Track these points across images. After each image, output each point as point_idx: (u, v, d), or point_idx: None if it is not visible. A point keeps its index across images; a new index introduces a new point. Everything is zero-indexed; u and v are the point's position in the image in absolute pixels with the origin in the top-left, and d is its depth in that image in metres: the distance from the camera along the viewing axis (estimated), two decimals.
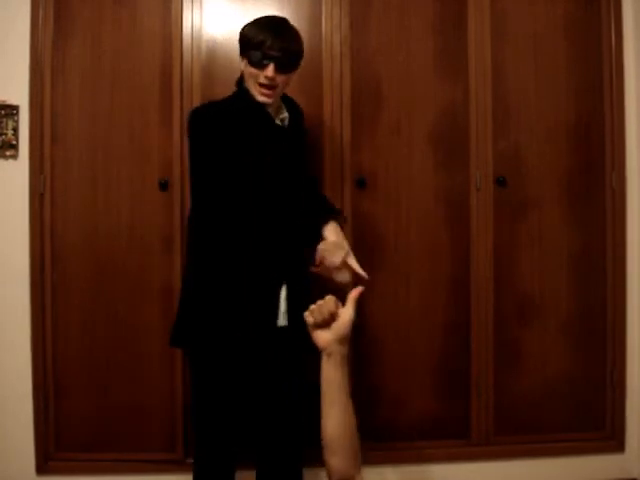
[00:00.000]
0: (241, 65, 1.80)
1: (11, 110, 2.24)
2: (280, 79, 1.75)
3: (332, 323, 1.26)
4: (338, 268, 1.74)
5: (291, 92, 2.29)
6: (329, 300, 1.27)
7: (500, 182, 2.39)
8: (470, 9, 2.37)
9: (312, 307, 1.27)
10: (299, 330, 1.76)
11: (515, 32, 2.40)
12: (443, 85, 2.38)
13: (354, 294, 1.30)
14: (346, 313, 1.27)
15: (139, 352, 2.28)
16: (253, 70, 1.74)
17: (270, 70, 1.71)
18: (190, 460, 2.13)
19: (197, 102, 2.22)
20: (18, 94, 2.24)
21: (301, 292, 1.82)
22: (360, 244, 2.34)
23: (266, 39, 1.70)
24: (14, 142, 2.25)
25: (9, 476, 2.25)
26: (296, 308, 1.77)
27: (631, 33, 2.45)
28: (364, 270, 1.80)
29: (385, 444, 2.37)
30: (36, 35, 2.24)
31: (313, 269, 1.80)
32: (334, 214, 1.91)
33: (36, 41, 2.24)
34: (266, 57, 1.71)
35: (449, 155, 2.39)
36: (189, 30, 2.27)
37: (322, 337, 1.25)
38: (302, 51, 1.81)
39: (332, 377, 1.23)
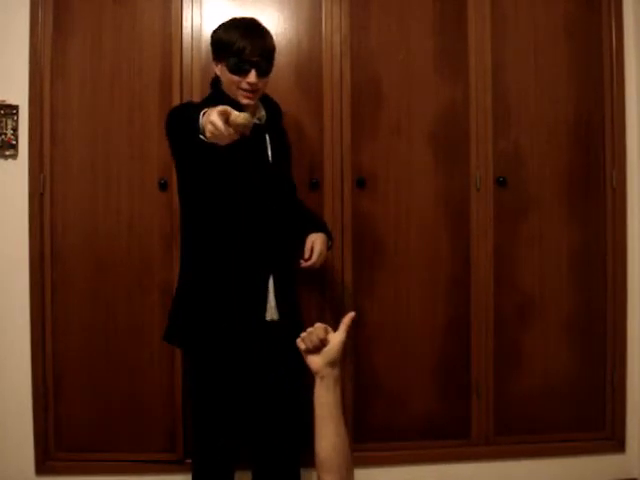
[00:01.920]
0: (215, 70, 1.82)
1: (11, 110, 2.23)
2: (261, 84, 1.78)
3: (323, 348, 1.30)
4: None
5: (291, 92, 2.30)
6: (318, 327, 1.31)
7: (500, 182, 2.39)
8: (470, 9, 2.37)
9: (303, 334, 1.31)
10: (289, 323, 1.76)
11: (515, 32, 2.40)
12: (443, 85, 2.38)
13: (346, 320, 1.32)
14: (336, 338, 1.31)
15: (139, 352, 2.28)
16: (234, 77, 1.75)
17: (252, 76, 1.73)
18: (190, 460, 2.13)
19: None
20: (18, 94, 2.24)
21: (288, 286, 1.84)
22: (360, 244, 2.35)
23: (246, 45, 1.72)
24: (14, 142, 2.24)
25: (8, 476, 2.25)
26: (284, 302, 1.79)
27: (631, 32, 2.45)
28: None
29: (385, 444, 2.37)
30: (36, 35, 2.23)
31: (303, 264, 1.83)
32: (326, 231, 1.98)
33: (36, 41, 2.24)
34: (247, 63, 1.73)
35: (449, 155, 2.39)
36: (189, 30, 2.27)
37: (314, 361, 1.30)
38: (275, 51, 1.83)
39: (325, 399, 1.27)
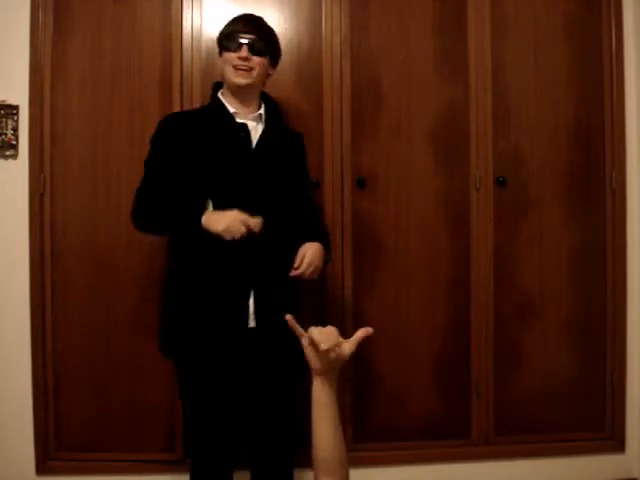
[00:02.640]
0: (219, 62, 1.86)
1: (11, 110, 2.23)
2: (255, 61, 1.79)
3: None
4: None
5: (291, 92, 2.30)
6: (332, 331, 1.27)
7: (500, 182, 2.39)
8: (470, 9, 2.37)
9: (317, 334, 1.25)
10: (266, 331, 1.78)
11: (515, 32, 2.40)
12: (443, 85, 2.38)
13: (361, 334, 1.29)
14: (348, 349, 1.28)
15: (139, 352, 2.27)
16: (229, 54, 1.79)
17: (244, 51, 1.77)
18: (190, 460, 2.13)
19: (197, 102, 2.23)
20: (18, 94, 2.24)
21: (269, 297, 1.80)
22: (360, 244, 2.35)
23: (238, 26, 1.80)
24: (14, 142, 2.24)
25: (9, 476, 2.25)
26: (263, 311, 1.78)
27: (631, 33, 2.45)
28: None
29: (385, 444, 2.37)
30: (36, 35, 2.23)
31: (293, 273, 1.79)
32: (322, 238, 1.91)
33: (36, 41, 2.24)
34: (239, 39, 1.78)
35: (449, 155, 2.39)
36: (189, 30, 2.27)
37: (318, 362, 1.26)
38: (276, 42, 1.89)
39: (325, 398, 1.26)
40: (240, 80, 1.79)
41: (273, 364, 1.84)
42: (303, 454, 2.14)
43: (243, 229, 1.67)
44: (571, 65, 2.43)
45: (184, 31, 2.27)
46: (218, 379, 1.81)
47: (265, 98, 1.93)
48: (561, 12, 2.43)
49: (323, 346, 1.22)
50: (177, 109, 2.24)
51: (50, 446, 2.28)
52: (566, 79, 2.43)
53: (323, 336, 1.25)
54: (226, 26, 1.85)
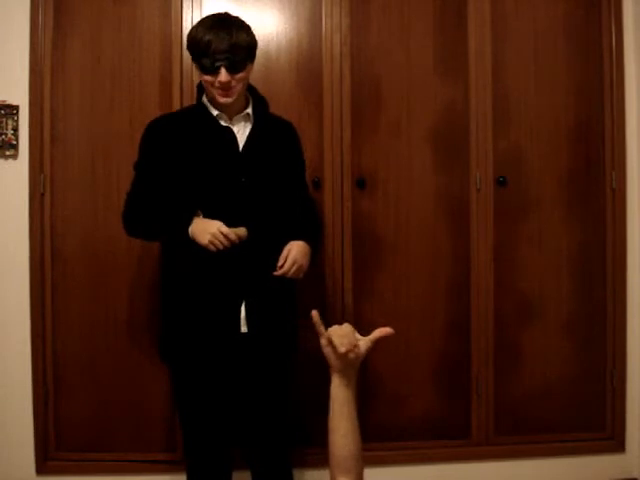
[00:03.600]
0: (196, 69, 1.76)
1: (11, 110, 2.23)
2: (237, 79, 1.69)
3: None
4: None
5: (291, 92, 2.30)
6: (349, 330, 1.28)
7: (500, 182, 2.39)
8: (470, 9, 2.37)
9: (341, 341, 1.25)
10: (257, 335, 1.77)
11: (515, 32, 2.40)
12: (443, 85, 2.38)
13: (380, 333, 1.30)
14: (364, 347, 1.28)
15: (139, 352, 2.28)
16: (207, 77, 1.69)
17: (223, 75, 1.66)
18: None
19: None
20: (18, 94, 2.24)
21: (259, 304, 1.79)
22: (360, 244, 2.35)
23: (211, 41, 1.64)
24: (14, 142, 2.25)
25: (9, 476, 2.25)
26: (254, 317, 1.77)
27: (631, 33, 2.45)
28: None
29: (385, 444, 2.36)
30: (36, 35, 2.24)
31: (276, 272, 1.76)
32: (309, 235, 1.87)
33: (36, 41, 2.24)
34: (216, 61, 1.65)
35: (449, 155, 2.39)
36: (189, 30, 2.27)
37: (337, 360, 1.26)
38: (253, 41, 1.73)
39: (343, 396, 1.28)
40: (224, 100, 1.72)
41: (264, 367, 1.85)
42: (298, 455, 2.15)
43: (226, 242, 1.66)
44: (571, 65, 2.43)
45: (184, 31, 2.26)
46: (212, 382, 1.81)
47: (252, 91, 1.86)
48: (561, 12, 2.43)
49: (342, 349, 1.23)
50: (177, 109, 2.24)
51: (50, 446, 2.28)
52: (566, 79, 2.43)
53: (341, 337, 1.25)
54: (196, 32, 1.69)
